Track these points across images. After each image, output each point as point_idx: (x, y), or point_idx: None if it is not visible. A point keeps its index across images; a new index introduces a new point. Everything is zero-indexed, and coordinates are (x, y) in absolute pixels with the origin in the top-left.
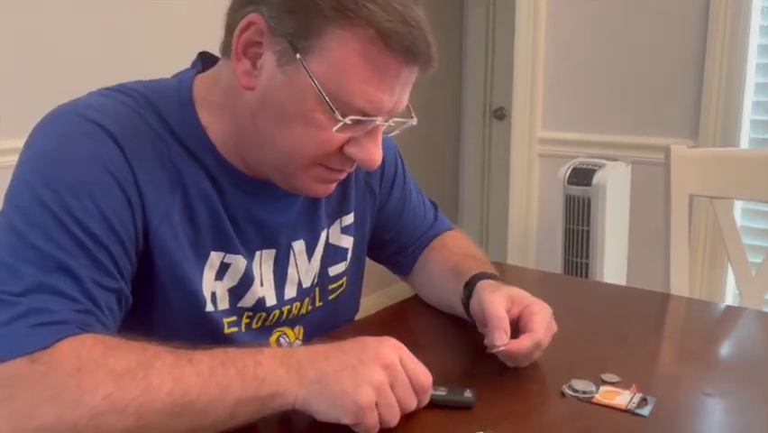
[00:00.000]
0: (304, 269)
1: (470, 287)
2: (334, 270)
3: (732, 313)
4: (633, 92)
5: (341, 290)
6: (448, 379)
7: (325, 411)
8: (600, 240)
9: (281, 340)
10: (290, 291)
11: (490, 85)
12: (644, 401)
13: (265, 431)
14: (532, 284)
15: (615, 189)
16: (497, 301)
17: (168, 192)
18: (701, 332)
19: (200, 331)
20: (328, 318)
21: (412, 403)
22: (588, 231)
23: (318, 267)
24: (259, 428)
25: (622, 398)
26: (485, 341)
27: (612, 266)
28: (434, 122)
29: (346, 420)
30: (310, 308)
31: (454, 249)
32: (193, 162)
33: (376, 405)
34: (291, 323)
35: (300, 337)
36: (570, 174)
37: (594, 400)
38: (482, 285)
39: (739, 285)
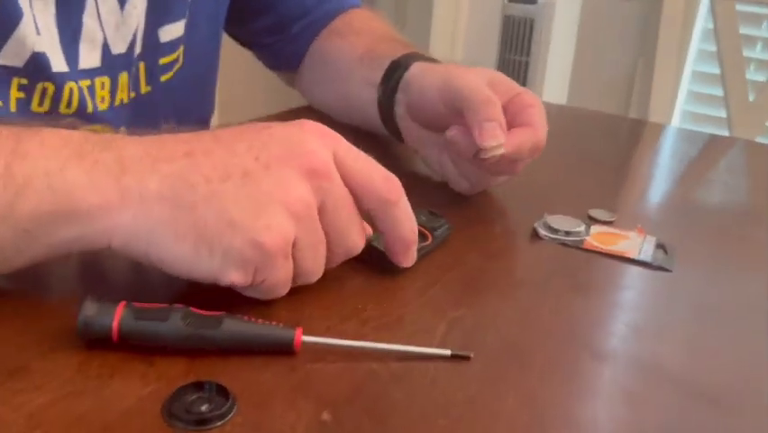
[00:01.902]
0: (112, 22)
1: (393, 75)
2: (168, 32)
3: (724, 144)
4: None
5: (176, 66)
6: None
7: (186, 259)
8: (540, 74)
9: None
10: (90, 57)
11: None
12: (660, 249)
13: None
14: None
15: (564, 11)
16: (476, 79)
17: None
18: (702, 167)
19: None
20: (162, 115)
21: (357, 238)
22: (527, 62)
23: (141, 24)
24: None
25: (627, 243)
26: (471, 141)
27: (554, 83)
28: None
29: (231, 278)
30: (133, 94)
31: (367, 32)
32: None
33: (294, 246)
34: (110, 118)
35: None
36: None
37: (587, 245)
38: (420, 68)
39: (731, 111)
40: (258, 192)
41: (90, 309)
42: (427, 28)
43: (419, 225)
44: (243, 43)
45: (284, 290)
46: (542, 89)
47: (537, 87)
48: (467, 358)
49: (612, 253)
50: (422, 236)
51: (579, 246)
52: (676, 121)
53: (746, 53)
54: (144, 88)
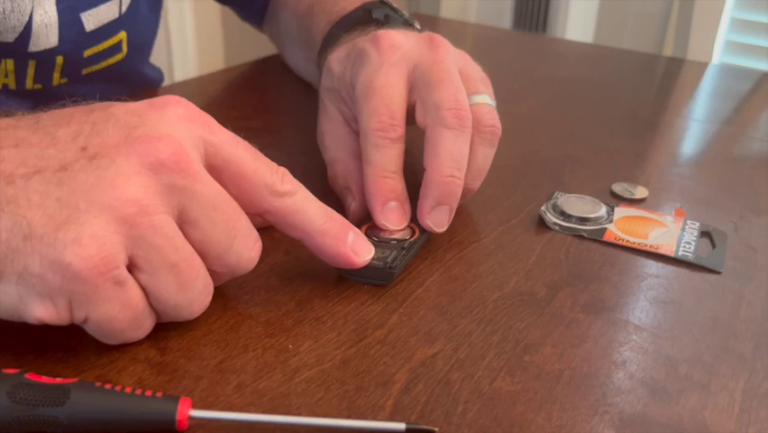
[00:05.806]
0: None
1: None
2: (94, 17)
3: None
4: None
5: (117, 56)
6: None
7: None
8: (564, 1)
9: None
10: None
11: None
12: (706, 238)
13: None
14: (471, 46)
15: None
16: (337, 139)
17: None
18: (756, 118)
19: None
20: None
21: (244, 249)
22: None
23: (52, 13)
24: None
25: (662, 233)
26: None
27: (578, 19)
28: None
29: (35, 312)
30: (38, 86)
31: None
32: None
33: (132, 268)
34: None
35: None
36: None
37: (608, 237)
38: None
39: None
40: (71, 193)
41: None
42: None
43: None
44: None
45: (132, 331)
46: (566, 19)
47: (561, 16)
48: None
49: (642, 248)
50: (410, 230)
51: (598, 239)
52: (717, 53)
53: None
54: (57, 81)
